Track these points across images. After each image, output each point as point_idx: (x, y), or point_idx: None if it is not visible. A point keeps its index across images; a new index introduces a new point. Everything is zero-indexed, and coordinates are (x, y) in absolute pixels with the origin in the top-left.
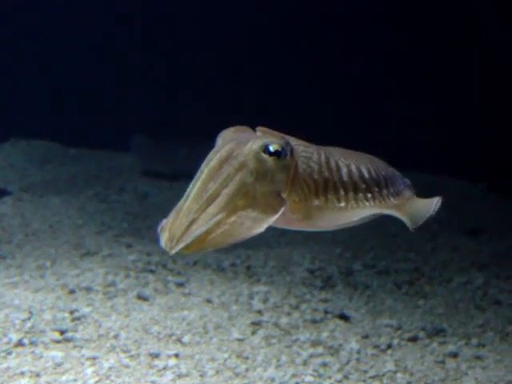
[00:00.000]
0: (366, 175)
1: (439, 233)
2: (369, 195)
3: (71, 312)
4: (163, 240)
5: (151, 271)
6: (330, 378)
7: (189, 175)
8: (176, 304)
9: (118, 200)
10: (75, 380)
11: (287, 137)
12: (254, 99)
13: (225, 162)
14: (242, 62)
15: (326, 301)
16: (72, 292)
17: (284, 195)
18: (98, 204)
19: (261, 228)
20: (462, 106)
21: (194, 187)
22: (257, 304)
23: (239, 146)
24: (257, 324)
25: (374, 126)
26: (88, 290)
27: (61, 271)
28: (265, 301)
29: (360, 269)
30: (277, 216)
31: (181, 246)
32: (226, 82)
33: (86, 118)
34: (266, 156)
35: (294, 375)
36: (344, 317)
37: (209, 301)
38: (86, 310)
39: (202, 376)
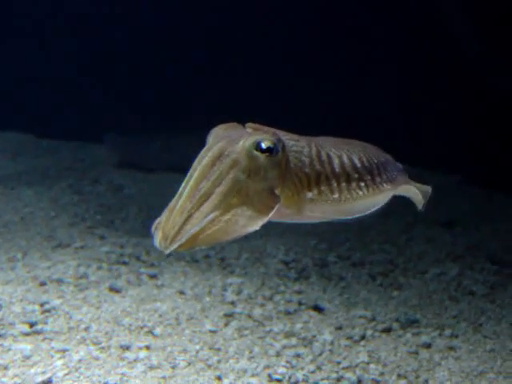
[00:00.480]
0: (358, 164)
1: (414, 224)
2: (362, 184)
3: (41, 304)
4: (157, 239)
5: (124, 263)
6: (302, 369)
7: (163, 167)
8: (148, 296)
9: (92, 192)
10: (44, 373)
11: (278, 132)
12: (233, 94)
13: (217, 160)
14: (222, 57)
15: (299, 292)
16: (43, 284)
17: (277, 191)
18: (71, 196)
19: (256, 226)
20: (440, 101)
21: (187, 186)
22: (230, 295)
23: (231, 144)
24: (230, 315)
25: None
26: (59, 282)
27: (32, 263)
28: (238, 292)
29: (335, 260)
30: (272, 213)
31: (175, 245)
32: (205, 77)
33: (60, 109)
34: (258, 153)
35: (266, 366)
36: (318, 308)
37: (182, 292)
38: (57, 302)
39: (173, 368)
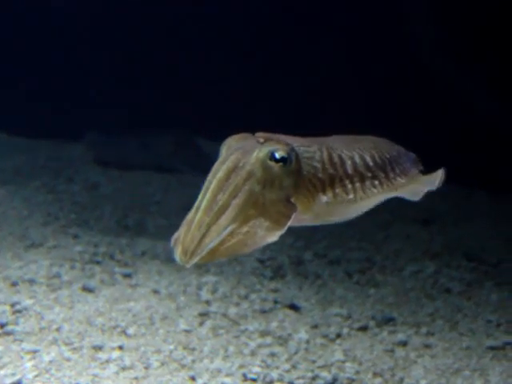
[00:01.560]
0: (371, 163)
1: (392, 222)
2: (376, 182)
3: (12, 305)
4: (177, 254)
5: (98, 262)
6: (277, 368)
7: (140, 166)
8: (122, 295)
9: (67, 190)
10: (13, 374)
11: (288, 138)
12: (208, 94)
13: (232, 172)
14: (196, 57)
15: (275, 291)
16: (14, 284)
17: (292, 199)
18: (45, 195)
19: (275, 236)
20: (419, 98)
21: (204, 199)
22: (205, 295)
23: (245, 155)
24: (205, 315)
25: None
26: (31, 282)
27: (4, 263)
28: (213, 291)
29: (311, 258)
30: (289, 223)
31: (195, 259)
32: (182, 76)
33: (35, 107)
34: (272, 163)
35: (241, 366)
36: (294, 307)
37: (156, 292)
38: (28, 302)
39: (146, 368)
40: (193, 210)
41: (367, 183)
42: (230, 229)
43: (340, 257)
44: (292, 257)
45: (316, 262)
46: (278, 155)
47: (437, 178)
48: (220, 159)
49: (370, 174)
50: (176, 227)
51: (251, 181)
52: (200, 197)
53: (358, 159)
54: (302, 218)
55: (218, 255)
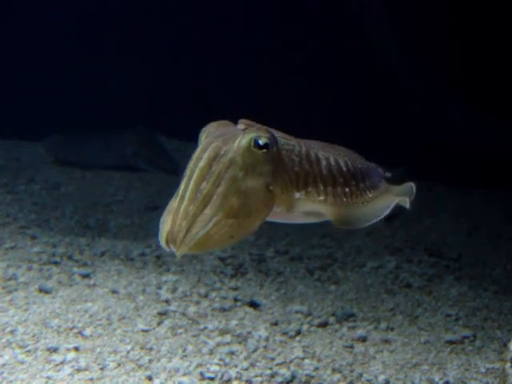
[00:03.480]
0: (344, 168)
1: None
2: (347, 190)
3: None
4: (164, 242)
5: (56, 263)
6: (236, 366)
7: (101, 166)
8: (79, 296)
9: (27, 191)
10: None
11: (270, 129)
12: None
13: (213, 160)
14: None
15: (236, 288)
16: None
17: (271, 187)
18: (4, 195)
19: (256, 226)
20: (382, 97)
21: (188, 188)
22: (165, 294)
23: (226, 143)
24: (163, 314)
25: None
26: None
27: None
28: (173, 290)
29: (273, 255)
30: (270, 211)
31: (184, 249)
32: (143, 75)
33: None
34: (255, 150)
35: (199, 365)
36: (254, 304)
37: (114, 292)
38: None
39: (102, 369)
40: (177, 199)
41: (338, 190)
42: (215, 219)
43: (301, 254)
44: (253, 254)
45: (277, 259)
46: (261, 142)
47: (407, 194)
48: (200, 147)
49: (342, 180)
50: (138, 226)
51: (233, 168)
52: (183, 185)
53: (332, 162)
54: (276, 210)
55: (207, 247)
